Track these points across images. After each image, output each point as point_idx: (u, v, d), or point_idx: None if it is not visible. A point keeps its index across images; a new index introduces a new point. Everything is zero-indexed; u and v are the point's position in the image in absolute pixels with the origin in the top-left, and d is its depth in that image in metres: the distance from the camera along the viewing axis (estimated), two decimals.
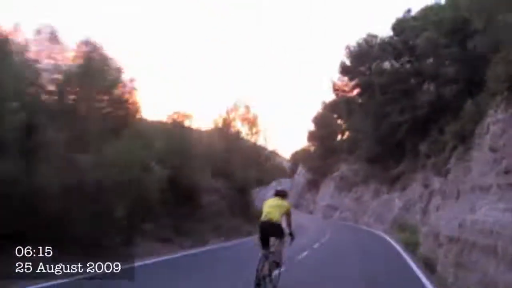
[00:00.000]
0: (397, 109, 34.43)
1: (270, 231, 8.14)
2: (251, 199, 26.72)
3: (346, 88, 44.58)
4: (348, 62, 43.33)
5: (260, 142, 27.45)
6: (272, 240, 8.19)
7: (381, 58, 38.21)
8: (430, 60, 31.30)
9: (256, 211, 32.63)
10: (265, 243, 8.11)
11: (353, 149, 42.03)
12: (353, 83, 43.37)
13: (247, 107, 27.01)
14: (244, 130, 26.72)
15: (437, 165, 25.87)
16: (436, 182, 24.65)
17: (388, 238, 22.67)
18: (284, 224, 8.45)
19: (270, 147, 28.77)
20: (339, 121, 59.62)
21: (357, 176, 43.73)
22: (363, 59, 42.45)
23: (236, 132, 26.14)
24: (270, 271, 7.98)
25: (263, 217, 8.21)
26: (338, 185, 49.57)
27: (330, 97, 58.92)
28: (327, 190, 53.60)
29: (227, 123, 25.94)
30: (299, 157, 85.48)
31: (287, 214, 8.42)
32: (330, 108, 61.11)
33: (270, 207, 8.31)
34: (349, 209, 42.32)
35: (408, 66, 35.24)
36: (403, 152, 34.55)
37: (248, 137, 26.93)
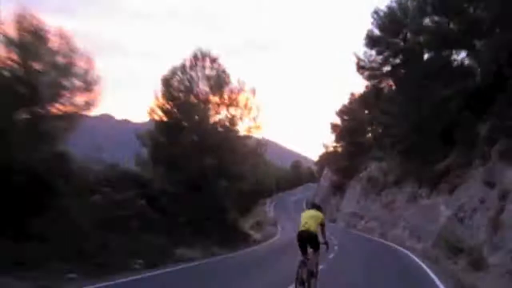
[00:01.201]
0: (443, 81, 25.05)
1: (308, 239, 8.90)
2: (215, 200, 17.57)
3: (374, 65, 35.09)
4: (376, 31, 34.15)
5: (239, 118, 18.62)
6: (309, 248, 8.91)
7: (420, 15, 28.67)
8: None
9: (230, 219, 23.52)
10: (303, 250, 8.90)
11: (383, 143, 32.57)
12: (381, 58, 34.02)
13: (213, 61, 18.14)
14: (212, 99, 17.94)
15: (510, 151, 16.46)
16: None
17: (433, 275, 12.76)
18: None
19: (261, 133, 20.01)
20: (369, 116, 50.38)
21: (388, 175, 34.24)
22: (395, 27, 33.22)
23: (196, 98, 17.33)
24: (309, 280, 8.58)
25: (301, 227, 8.98)
26: (365, 188, 40.05)
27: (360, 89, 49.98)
28: (352, 195, 44.10)
29: (177, 82, 17.25)
30: (325, 159, 76.27)
31: (322, 224, 9.22)
32: (358, 102, 51.92)
33: (307, 218, 9.09)
34: (376, 217, 32.72)
35: (458, 19, 25.51)
36: (451, 139, 24.95)
37: (219, 111, 18.15)
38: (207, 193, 16.21)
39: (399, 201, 29.06)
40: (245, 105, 18.80)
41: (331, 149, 59.86)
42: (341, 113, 52.32)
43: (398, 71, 32.11)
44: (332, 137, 55.93)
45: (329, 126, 54.33)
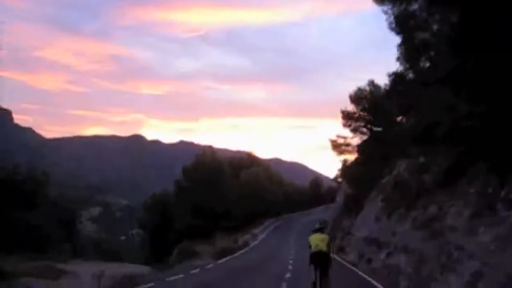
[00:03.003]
0: None
1: (321, 258, 12.00)
2: None
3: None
4: None
5: None
6: (321, 265, 11.99)
7: None
8: None
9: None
10: (316, 267, 11.98)
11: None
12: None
13: None
14: None
15: None
16: None
17: None
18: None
19: None
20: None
21: (428, 174, 19.81)
22: None
23: None
24: None
25: (314, 249, 12.14)
26: (388, 199, 25.34)
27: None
28: (370, 210, 29.34)
29: None
30: (342, 171, 61.03)
31: (329, 243, 12.49)
32: (385, 94, 37.63)
33: (317, 240, 12.29)
34: (407, 249, 17.72)
35: None
36: None
37: None
38: None
39: (454, 216, 14.37)
40: None
41: (348, 152, 44.98)
42: (357, 98, 37.77)
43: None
44: (344, 131, 40.85)
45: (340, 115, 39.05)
